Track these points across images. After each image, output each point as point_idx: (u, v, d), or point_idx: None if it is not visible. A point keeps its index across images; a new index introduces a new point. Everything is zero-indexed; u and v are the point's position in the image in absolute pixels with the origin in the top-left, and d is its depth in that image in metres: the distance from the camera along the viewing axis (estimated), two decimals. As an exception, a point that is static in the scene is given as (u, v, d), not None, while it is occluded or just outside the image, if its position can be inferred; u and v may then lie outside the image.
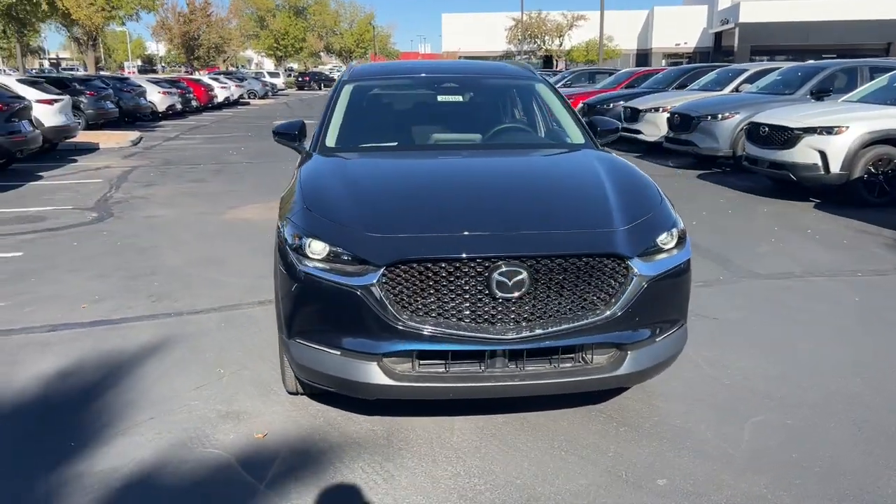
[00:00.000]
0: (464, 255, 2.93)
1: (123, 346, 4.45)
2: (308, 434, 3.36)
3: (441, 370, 3.06)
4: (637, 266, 3.06)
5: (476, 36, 62.33)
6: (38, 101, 14.51)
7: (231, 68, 57.72)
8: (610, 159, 4.03)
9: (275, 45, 66.17)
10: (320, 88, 59.49)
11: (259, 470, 3.08)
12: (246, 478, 3.02)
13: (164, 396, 3.77)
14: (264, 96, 45.24)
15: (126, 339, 4.54)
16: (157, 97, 26.12)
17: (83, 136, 16.92)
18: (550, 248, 3.00)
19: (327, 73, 68.76)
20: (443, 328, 2.95)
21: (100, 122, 19.73)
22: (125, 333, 4.64)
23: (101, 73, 37.17)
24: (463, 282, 2.94)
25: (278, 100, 44.55)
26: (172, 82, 29.57)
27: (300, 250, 3.09)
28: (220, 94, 33.97)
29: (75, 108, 17.40)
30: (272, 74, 57.13)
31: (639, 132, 14.32)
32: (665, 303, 3.22)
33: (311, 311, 3.10)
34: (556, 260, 2.98)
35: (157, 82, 27.96)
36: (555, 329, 2.99)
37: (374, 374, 3.01)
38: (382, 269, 2.92)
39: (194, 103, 29.79)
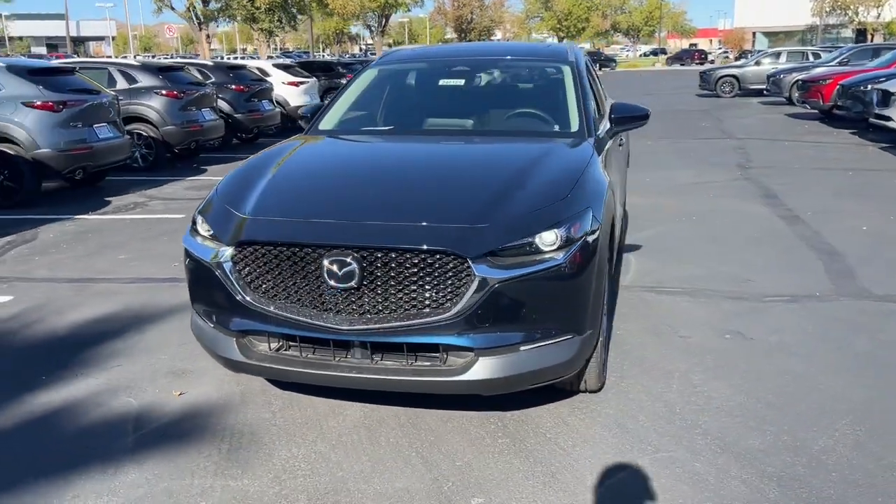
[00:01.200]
0: (298, 241, 2.93)
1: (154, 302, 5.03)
2: (215, 402, 3.56)
3: (297, 354, 3.09)
4: (479, 266, 2.81)
5: (775, 9, 57.04)
6: (285, 83, 16.36)
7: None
8: (560, 151, 3.72)
9: (557, 25, 66.74)
10: (600, 69, 58.86)
11: (143, 423, 3.36)
12: (125, 427, 3.32)
13: (146, 349, 4.22)
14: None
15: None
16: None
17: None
18: (382, 240, 2.88)
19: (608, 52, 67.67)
20: (284, 312, 2.98)
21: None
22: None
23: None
24: (302, 268, 2.94)
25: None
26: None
27: (193, 225, 3.32)
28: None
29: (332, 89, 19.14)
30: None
31: (888, 118, 12.37)
32: (533, 310, 2.91)
33: (191, 284, 3.33)
34: (389, 253, 2.85)
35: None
36: (391, 324, 2.87)
37: (233, 351, 3.14)
38: (232, 249, 3.03)
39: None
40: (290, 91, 16.38)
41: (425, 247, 2.81)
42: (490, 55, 5.10)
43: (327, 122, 4.47)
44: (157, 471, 2.98)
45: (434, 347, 2.93)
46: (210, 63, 14.51)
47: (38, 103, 8.08)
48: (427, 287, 2.84)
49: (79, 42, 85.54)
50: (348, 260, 2.84)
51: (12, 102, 8.02)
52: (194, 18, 28.73)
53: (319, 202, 3.26)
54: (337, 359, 3.02)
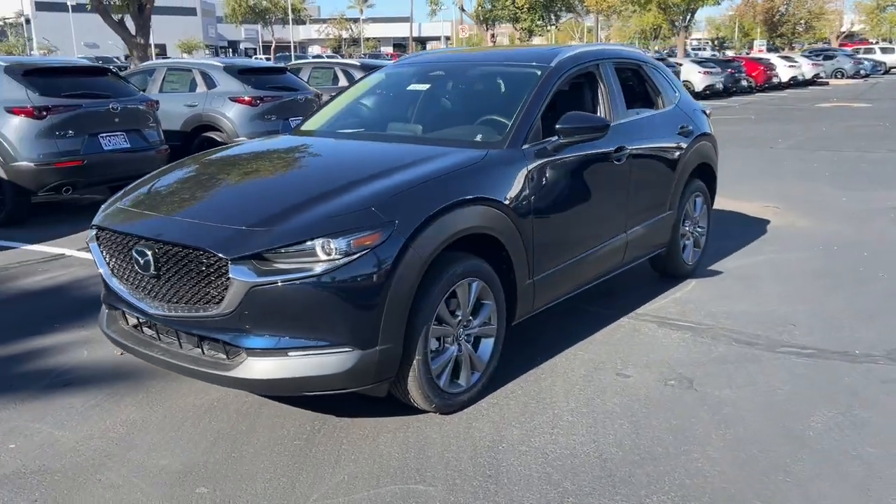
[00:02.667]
0: (116, 229, 3.30)
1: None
2: (142, 366, 4.03)
3: (141, 333, 3.46)
4: (237, 268, 2.92)
5: None
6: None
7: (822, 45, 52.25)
8: (440, 162, 3.56)
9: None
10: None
11: (68, 371, 3.97)
12: (65, 381, 3.95)
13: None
14: (854, 76, 40.42)
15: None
16: (695, 77, 26.41)
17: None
18: (168, 235, 3.12)
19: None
20: (117, 291, 3.38)
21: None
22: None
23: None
24: (125, 253, 3.31)
25: (869, 81, 39.36)
26: (725, 62, 29.26)
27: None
28: (784, 74, 32.07)
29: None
30: (886, 50, 50.09)
31: None
32: (300, 317, 2.94)
33: None
34: (171, 248, 3.09)
35: (702, 62, 28.09)
36: (179, 314, 3.11)
37: (101, 321, 3.62)
38: (94, 231, 3.50)
39: (745, 83, 28.98)
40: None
41: (190, 244, 2.98)
42: (476, 60, 4.93)
43: (312, 122, 4.71)
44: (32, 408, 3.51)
45: (203, 338, 3.09)
46: (357, 63, 14.21)
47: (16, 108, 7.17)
48: (202, 283, 3.01)
49: (419, 42, 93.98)
50: (145, 250, 3.12)
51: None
52: (481, 19, 30.32)
53: (163, 197, 3.55)
54: (158, 341, 3.30)
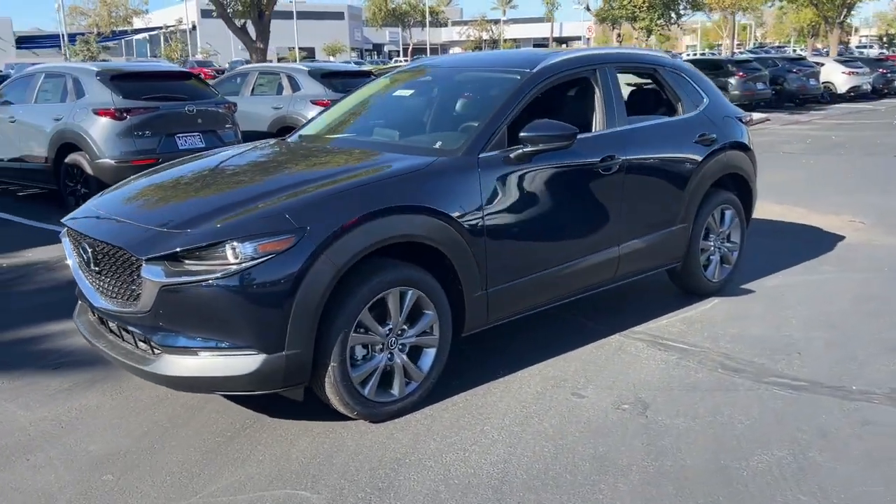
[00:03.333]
0: (69, 227, 3.55)
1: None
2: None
3: (96, 323, 3.69)
4: (149, 268, 3.06)
5: None
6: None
7: None
8: (381, 166, 3.58)
9: None
10: None
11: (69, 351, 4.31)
12: (56, 365, 4.30)
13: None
14: None
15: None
16: (839, 77, 24.66)
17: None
18: (100, 233, 3.32)
19: None
20: (79, 284, 3.63)
21: (750, 103, 20.07)
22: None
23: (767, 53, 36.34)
24: (77, 249, 3.55)
25: None
26: (877, 61, 27.09)
27: None
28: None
29: (723, 88, 18.65)
30: None
31: None
32: (206, 318, 3.06)
33: None
34: (104, 246, 3.29)
35: (848, 61, 26.14)
36: (112, 308, 3.31)
37: (75, 313, 3.89)
38: (64, 227, 3.78)
39: (899, 84, 26.71)
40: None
41: (112, 242, 3.16)
42: (467, 65, 4.84)
43: (313, 126, 4.82)
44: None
45: (133, 333, 3.25)
46: None
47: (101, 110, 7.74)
48: (126, 281, 3.18)
49: (559, 43, 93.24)
50: (86, 246, 3.34)
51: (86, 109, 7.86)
52: (601, 19, 29.56)
53: (115, 198, 3.75)
54: (107, 334, 3.51)
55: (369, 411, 3.37)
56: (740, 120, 5.29)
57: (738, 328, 4.53)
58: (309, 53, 66.82)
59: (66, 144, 8.12)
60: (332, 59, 62.42)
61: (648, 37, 28.19)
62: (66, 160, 8.13)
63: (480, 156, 3.69)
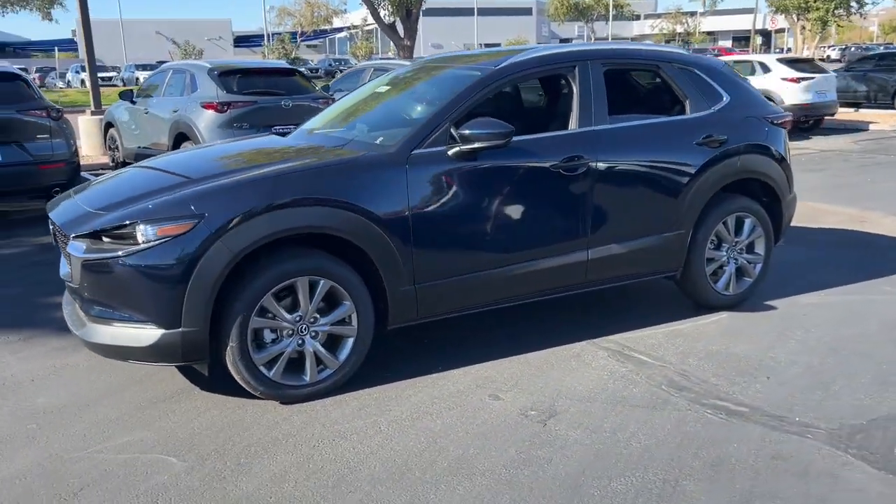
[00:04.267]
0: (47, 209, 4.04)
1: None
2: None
3: None
4: (72, 244, 3.44)
5: None
6: (785, 79, 15.27)
7: None
8: (307, 160, 3.78)
9: None
10: None
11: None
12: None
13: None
14: None
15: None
16: None
17: (863, 116, 17.22)
18: (51, 214, 3.77)
19: None
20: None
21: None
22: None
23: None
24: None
25: None
26: None
27: None
28: None
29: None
30: None
31: None
32: (114, 292, 3.38)
33: None
34: (53, 224, 3.73)
35: None
36: (64, 278, 3.75)
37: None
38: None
39: None
40: (788, 87, 15.14)
41: (54, 221, 3.58)
42: (448, 62, 4.80)
43: (318, 119, 5.06)
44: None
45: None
46: None
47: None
48: (67, 255, 3.60)
49: (762, 35, 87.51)
50: (49, 225, 3.81)
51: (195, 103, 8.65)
52: (776, 9, 27.31)
53: (95, 185, 4.16)
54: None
55: (274, 392, 3.54)
56: (773, 122, 4.85)
57: (723, 345, 4.22)
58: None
59: (181, 134, 8.97)
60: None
61: (823, 28, 25.70)
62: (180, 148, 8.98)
63: (414, 152, 3.73)
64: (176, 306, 3.27)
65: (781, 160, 4.84)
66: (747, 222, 4.76)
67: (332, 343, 3.67)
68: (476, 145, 3.74)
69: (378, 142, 3.94)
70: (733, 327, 4.50)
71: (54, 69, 50.01)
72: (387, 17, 19.21)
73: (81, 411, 3.57)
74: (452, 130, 3.79)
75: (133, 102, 10.26)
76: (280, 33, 62.16)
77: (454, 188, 3.78)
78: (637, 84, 4.99)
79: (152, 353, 3.35)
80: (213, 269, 3.29)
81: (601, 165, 4.14)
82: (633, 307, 4.91)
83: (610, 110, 4.35)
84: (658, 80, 4.67)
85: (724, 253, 4.73)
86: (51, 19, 43.00)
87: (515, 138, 3.99)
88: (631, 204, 4.30)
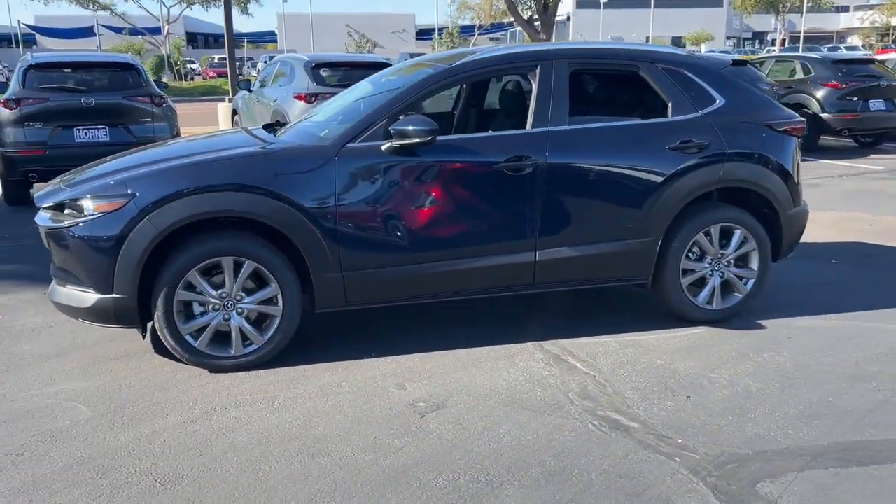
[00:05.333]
0: None
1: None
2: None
3: None
4: (39, 216, 3.95)
5: None
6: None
7: None
8: (248, 149, 4.12)
9: None
10: None
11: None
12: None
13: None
14: None
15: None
16: None
17: None
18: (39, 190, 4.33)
19: None
20: None
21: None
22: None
23: None
24: None
25: None
26: None
27: None
28: None
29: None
30: None
31: None
32: (64, 258, 3.81)
33: None
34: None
35: None
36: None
37: None
38: None
39: None
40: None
41: (35, 195, 4.13)
42: (429, 59, 4.84)
43: (308, 114, 5.31)
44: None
45: None
46: (816, 56, 13.43)
47: None
48: None
49: None
50: None
51: None
52: None
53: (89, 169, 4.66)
54: None
55: (200, 360, 3.89)
56: (774, 128, 4.54)
57: (669, 360, 4.06)
58: (676, 44, 65.09)
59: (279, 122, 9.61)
60: (696, 48, 59.96)
61: None
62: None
63: (348, 146, 3.92)
64: (108, 274, 3.69)
65: (781, 170, 4.51)
66: (736, 234, 4.49)
67: (261, 321, 3.94)
68: (405, 141, 3.85)
69: (322, 135, 4.14)
70: (699, 343, 4.28)
71: (252, 58, 54.55)
72: (524, 12, 19.25)
73: (48, 360, 4.10)
74: (389, 127, 3.91)
75: (249, 91, 11.10)
76: (464, 26, 63.33)
77: (386, 182, 3.92)
78: (615, 85, 4.82)
79: (91, 314, 3.79)
80: (140, 244, 3.66)
81: (552, 167, 4.10)
82: (611, 313, 4.79)
83: (576, 111, 4.28)
84: (638, 81, 4.50)
85: (707, 265, 4.50)
86: (248, 13, 46.94)
87: (461, 136, 4.07)
88: (587, 208, 4.22)
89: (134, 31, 47.59)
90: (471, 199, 4.04)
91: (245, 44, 64.74)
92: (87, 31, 59.46)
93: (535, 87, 4.22)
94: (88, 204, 3.71)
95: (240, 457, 3.10)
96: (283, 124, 5.12)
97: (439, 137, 4.02)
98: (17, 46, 56.70)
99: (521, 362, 4.03)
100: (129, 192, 3.69)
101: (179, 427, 3.36)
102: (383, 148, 3.91)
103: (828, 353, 4.11)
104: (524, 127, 4.22)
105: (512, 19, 21.29)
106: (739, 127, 4.43)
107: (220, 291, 3.85)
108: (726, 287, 4.56)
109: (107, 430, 3.34)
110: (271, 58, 27.34)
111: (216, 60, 46.05)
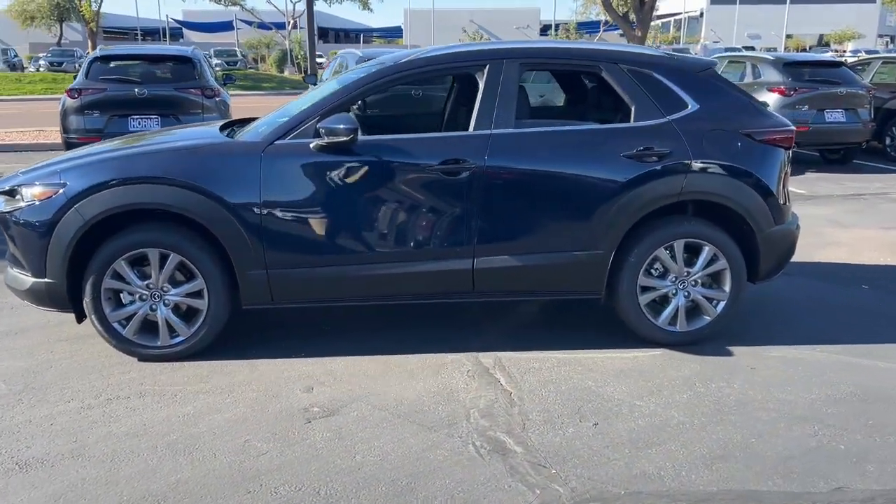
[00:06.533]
0: None
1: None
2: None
3: None
4: None
5: None
6: None
7: None
8: (180, 143, 4.15)
9: None
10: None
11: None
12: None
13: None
14: None
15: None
16: None
17: None
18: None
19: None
20: None
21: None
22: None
23: None
24: None
25: None
26: None
27: None
28: None
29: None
30: None
31: None
32: (10, 241, 4.03)
33: None
34: None
35: None
36: None
37: None
38: None
39: None
40: None
41: None
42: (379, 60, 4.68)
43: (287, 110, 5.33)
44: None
45: None
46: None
47: None
48: None
49: None
50: None
51: None
52: None
53: None
54: None
55: (127, 348, 3.99)
56: (754, 137, 4.15)
57: (600, 383, 3.80)
58: (817, 42, 61.28)
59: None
60: (839, 48, 56.13)
61: None
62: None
63: (277, 142, 3.90)
64: (41, 259, 3.84)
65: (758, 184, 4.11)
66: (704, 251, 4.14)
67: (192, 314, 3.99)
68: (327, 140, 3.79)
69: (261, 131, 4.13)
70: (644, 366, 3.98)
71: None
72: (620, 8, 18.57)
73: (4, 338, 4.32)
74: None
75: (314, 85, 11.33)
76: (586, 22, 62.15)
77: (313, 181, 3.88)
78: (574, 88, 4.54)
79: (29, 297, 3.96)
80: (69, 232, 3.79)
81: (491, 172, 3.92)
82: (567, 326, 4.54)
83: (526, 114, 4.07)
84: (601, 83, 4.22)
85: (669, 283, 4.17)
86: (369, 9, 48.05)
87: (394, 136, 3.97)
88: (530, 216, 4.00)
89: (262, 26, 49.76)
90: (403, 201, 3.92)
91: (374, 39, 66.32)
92: (227, 25, 62.98)
93: (480, 87, 4.04)
94: (28, 191, 3.87)
95: (107, 447, 3.14)
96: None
97: (373, 137, 3.93)
98: (165, 40, 60.69)
99: (445, 373, 3.88)
100: (61, 181, 3.82)
101: (75, 412, 3.44)
102: (311, 146, 3.86)
103: (786, 389, 3.71)
104: (465, 128, 4.04)
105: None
106: (710, 135, 4.07)
107: (147, 282, 3.91)
108: (694, 308, 4.21)
109: (14, 407, 3.48)
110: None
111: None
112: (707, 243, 4.10)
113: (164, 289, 3.92)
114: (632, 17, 18.24)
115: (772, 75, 10.65)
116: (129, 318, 3.95)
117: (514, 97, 4.03)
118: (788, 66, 10.55)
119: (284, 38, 48.11)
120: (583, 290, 4.16)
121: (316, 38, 62.04)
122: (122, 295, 3.96)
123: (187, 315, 3.99)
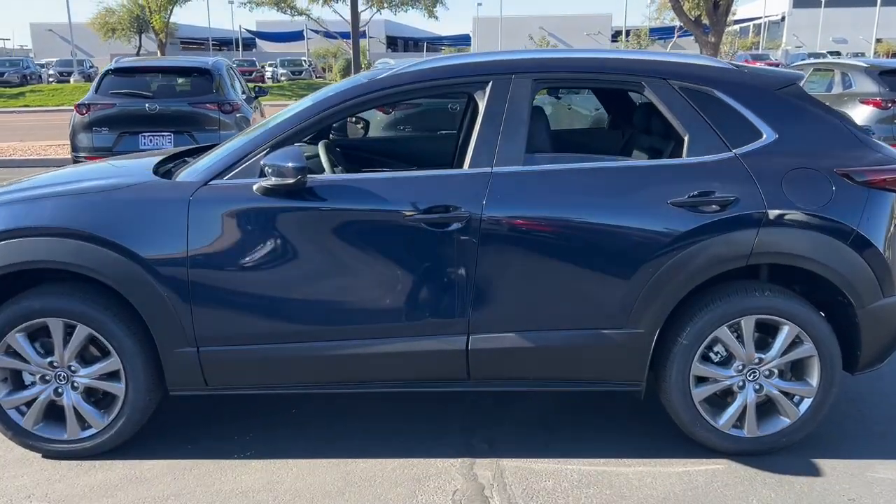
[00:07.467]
0: None
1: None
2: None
3: None
4: None
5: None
6: None
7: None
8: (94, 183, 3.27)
9: None
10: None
11: None
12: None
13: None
14: None
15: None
16: None
17: None
18: None
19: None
20: None
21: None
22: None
23: None
24: None
25: None
26: None
27: None
28: None
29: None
30: None
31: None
32: None
33: None
34: None
35: None
36: None
37: None
38: None
39: None
40: None
41: None
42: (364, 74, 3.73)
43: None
44: None
45: None
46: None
47: None
48: None
49: None
50: None
51: None
52: None
53: None
54: None
55: (25, 441, 3.16)
56: (853, 178, 3.04)
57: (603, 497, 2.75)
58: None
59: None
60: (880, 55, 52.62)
61: None
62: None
63: (211, 183, 3.02)
64: None
65: (860, 241, 2.98)
66: (783, 331, 3.05)
67: (108, 399, 3.14)
68: (272, 181, 2.88)
69: (201, 167, 3.23)
70: (699, 489, 2.92)
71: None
72: (691, 12, 17.17)
73: None
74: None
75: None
76: (660, 28, 60.10)
77: (255, 233, 2.97)
78: (607, 110, 3.48)
79: None
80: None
81: (491, 222, 2.93)
82: (601, 423, 3.50)
83: (536, 146, 3.07)
84: (644, 105, 3.17)
85: (735, 373, 3.09)
86: (435, 17, 47.50)
87: (361, 176, 3.07)
88: (542, 282, 3.00)
89: (328, 35, 49.78)
90: (374, 260, 2.97)
91: (443, 48, 65.94)
92: (298, 35, 63.62)
93: (481, 111, 3.06)
94: None
95: None
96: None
97: (334, 177, 3.02)
98: (238, 50, 61.69)
99: (425, 492, 2.91)
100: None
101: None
102: (254, 188, 2.94)
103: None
104: (460, 165, 3.08)
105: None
106: (793, 175, 2.98)
107: (50, 359, 3.06)
108: (769, 406, 3.11)
109: None
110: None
111: (408, 63, 47.28)
112: (787, 321, 3.00)
113: (72, 368, 3.08)
114: (705, 21, 16.86)
115: (865, 85, 9.08)
116: (29, 404, 3.09)
117: (524, 124, 3.03)
118: (885, 75, 9.04)
119: (349, 47, 48.01)
120: (615, 379, 3.12)
121: (385, 46, 61.74)
122: (23, 374, 3.10)
123: (104, 401, 3.12)
